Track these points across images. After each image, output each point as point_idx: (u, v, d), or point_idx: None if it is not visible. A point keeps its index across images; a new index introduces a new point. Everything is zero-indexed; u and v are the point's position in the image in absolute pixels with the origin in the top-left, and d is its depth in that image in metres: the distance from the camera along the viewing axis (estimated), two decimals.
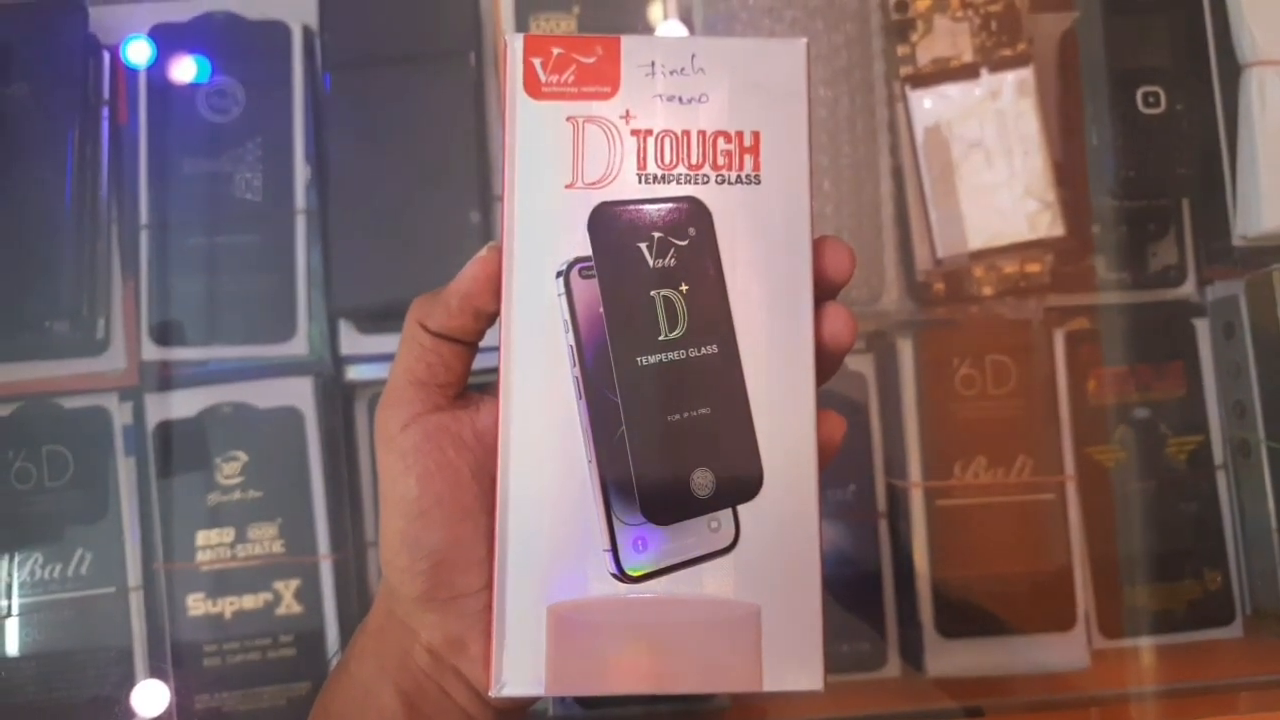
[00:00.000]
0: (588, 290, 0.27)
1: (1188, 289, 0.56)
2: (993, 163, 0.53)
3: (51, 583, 0.49)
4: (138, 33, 0.52)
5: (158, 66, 0.52)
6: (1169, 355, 0.55)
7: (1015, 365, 0.52)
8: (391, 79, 0.52)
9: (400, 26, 0.53)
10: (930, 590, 0.51)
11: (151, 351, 0.51)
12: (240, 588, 0.49)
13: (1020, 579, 0.51)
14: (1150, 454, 0.54)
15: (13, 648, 0.49)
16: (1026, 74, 0.53)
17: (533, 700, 0.30)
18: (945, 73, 0.53)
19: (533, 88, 0.28)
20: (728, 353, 0.28)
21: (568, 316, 0.27)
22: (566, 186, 0.28)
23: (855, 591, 0.53)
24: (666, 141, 0.28)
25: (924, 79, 0.53)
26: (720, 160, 0.28)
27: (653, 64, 0.28)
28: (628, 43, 0.28)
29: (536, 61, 0.28)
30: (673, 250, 0.28)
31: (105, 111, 0.53)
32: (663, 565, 0.27)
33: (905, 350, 0.52)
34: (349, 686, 0.31)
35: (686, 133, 0.28)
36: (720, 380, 0.28)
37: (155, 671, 0.49)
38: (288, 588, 0.50)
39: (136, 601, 0.50)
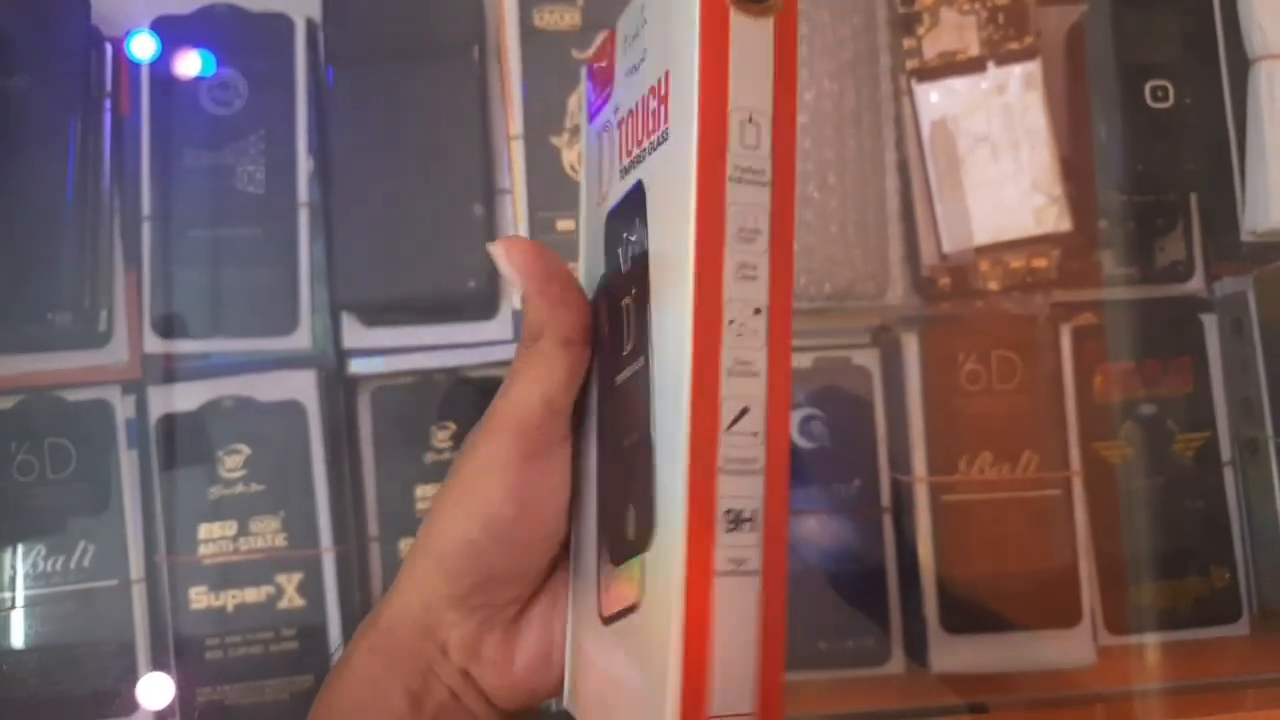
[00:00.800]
0: (599, 312, 0.27)
1: (1196, 284, 0.55)
2: (999, 157, 0.52)
3: (54, 575, 0.49)
4: (141, 24, 0.52)
5: (160, 59, 0.52)
6: (1176, 351, 0.54)
7: (1021, 360, 0.52)
8: (394, 72, 0.52)
9: (403, 19, 0.52)
10: (935, 586, 0.51)
11: (154, 344, 0.51)
12: (242, 581, 0.49)
13: (1026, 575, 0.51)
14: (1157, 450, 0.54)
15: (15, 640, 0.49)
16: (1033, 67, 0.53)
17: (538, 706, 0.30)
18: (952, 66, 0.53)
19: (591, 112, 0.28)
20: (646, 366, 0.23)
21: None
22: (598, 204, 0.27)
23: (859, 587, 0.52)
24: (630, 124, 0.25)
25: (930, 72, 0.53)
26: (650, 125, 0.23)
27: (625, 38, 0.25)
28: (619, 25, 0.25)
29: (589, 87, 0.27)
30: (630, 250, 0.24)
31: (107, 103, 0.52)
32: (617, 610, 0.24)
33: (910, 345, 0.52)
34: (354, 682, 0.30)
35: (634, 111, 0.24)
36: (641, 401, 0.23)
37: (157, 664, 0.49)
38: (290, 581, 0.49)
39: (139, 594, 0.50)
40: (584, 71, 0.27)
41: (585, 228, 0.27)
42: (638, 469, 0.23)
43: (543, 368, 0.26)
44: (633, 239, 0.24)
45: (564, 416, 0.26)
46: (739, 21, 0.20)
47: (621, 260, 0.25)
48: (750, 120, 0.20)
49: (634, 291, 0.23)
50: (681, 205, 0.21)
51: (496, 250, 0.26)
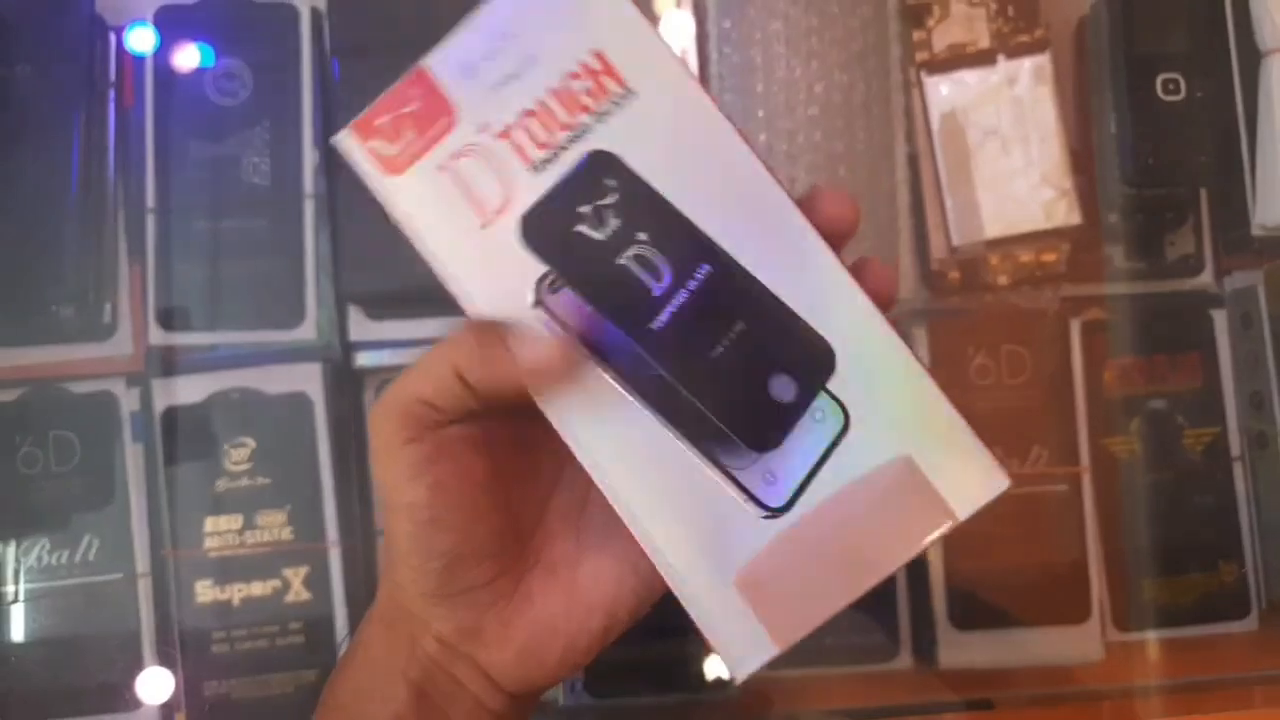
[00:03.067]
0: (567, 301, 0.26)
1: (1205, 279, 0.55)
2: (1009, 150, 0.52)
3: (59, 569, 0.49)
4: (145, 14, 0.52)
5: (164, 49, 0.52)
6: (1186, 346, 0.54)
7: (1030, 355, 0.52)
8: (401, 63, 0.51)
9: (409, 9, 0.52)
10: (943, 582, 0.51)
11: (159, 336, 0.51)
12: (249, 574, 0.49)
13: (1034, 571, 0.51)
14: (1166, 446, 0.54)
15: (20, 634, 0.49)
16: (1044, 60, 0.52)
17: (546, 686, 0.30)
18: (961, 59, 0.53)
19: (388, 166, 0.27)
20: (722, 263, 0.26)
21: (566, 334, 0.26)
22: (481, 228, 0.26)
23: None
24: (531, 123, 0.26)
25: (940, 65, 0.53)
26: (586, 101, 0.26)
27: (463, 67, 0.27)
28: (433, 64, 0.27)
29: (375, 144, 0.27)
30: (609, 212, 0.26)
31: (111, 94, 0.52)
32: (800, 481, 0.26)
33: (919, 339, 0.52)
34: (357, 674, 0.30)
35: (540, 100, 0.26)
36: (733, 291, 0.26)
37: (163, 658, 0.49)
38: (296, 574, 0.49)
39: (144, 588, 0.49)
40: (349, 141, 0.27)
41: (463, 256, 0.26)
42: (767, 338, 0.26)
43: (421, 375, 0.27)
44: (610, 200, 0.26)
45: (441, 412, 0.27)
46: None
47: (596, 228, 0.26)
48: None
49: (647, 235, 0.26)
50: (710, 123, 0.26)
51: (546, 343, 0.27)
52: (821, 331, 0.26)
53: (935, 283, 0.53)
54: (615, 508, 0.26)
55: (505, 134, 0.26)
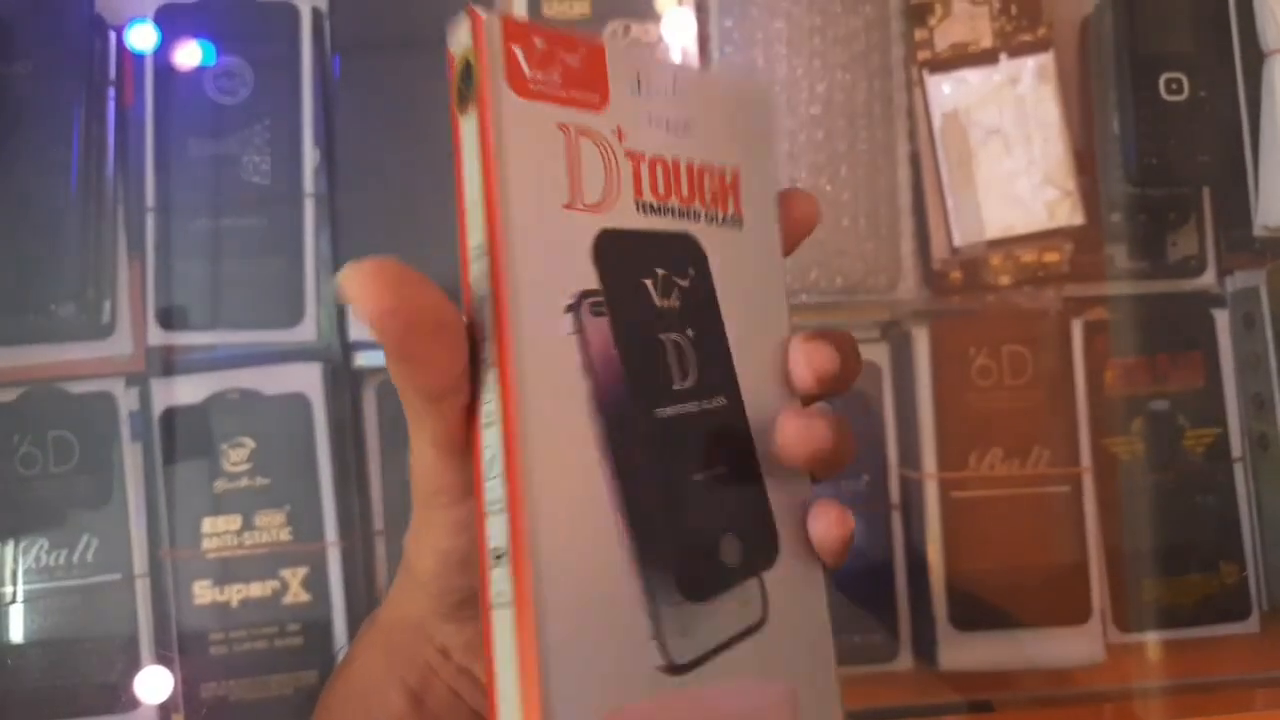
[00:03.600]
0: (599, 330, 0.23)
1: (1208, 279, 0.55)
2: (1011, 150, 0.52)
3: (57, 569, 0.49)
4: (145, 12, 0.52)
5: (165, 47, 0.52)
6: (1188, 346, 0.54)
7: (1032, 355, 0.52)
8: (402, 61, 0.51)
9: (411, 7, 0.52)
10: (944, 583, 0.51)
11: (158, 336, 0.50)
12: (247, 575, 0.49)
13: (1035, 572, 0.51)
14: (1167, 446, 0.54)
15: (18, 634, 0.49)
16: (1046, 59, 0.52)
17: None
18: (964, 58, 0.53)
19: (517, 82, 0.23)
20: (735, 407, 0.25)
21: (584, 358, 0.23)
22: (565, 206, 0.23)
23: (868, 583, 0.52)
24: (659, 169, 0.25)
25: (942, 64, 0.52)
26: (708, 197, 0.26)
27: (638, 79, 0.25)
28: (611, 50, 0.25)
29: (518, 50, 0.23)
30: (675, 290, 0.25)
31: (111, 92, 0.52)
32: (705, 650, 0.23)
33: (921, 339, 0.52)
34: (355, 679, 0.30)
35: (676, 162, 0.25)
36: (730, 436, 0.25)
37: (161, 659, 0.49)
38: (295, 575, 0.49)
39: (142, 589, 0.49)
40: (495, 27, 0.23)
41: (526, 218, 0.22)
42: (737, 496, 0.25)
43: (419, 426, 0.24)
44: (683, 282, 0.25)
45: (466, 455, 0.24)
46: (462, 124, 0.23)
47: (655, 292, 0.25)
48: (470, 206, 0.24)
49: (692, 334, 0.25)
50: (774, 290, 0.27)
51: (342, 282, 0.22)
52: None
53: (937, 283, 0.53)
54: (518, 561, 0.21)
55: (634, 156, 0.25)
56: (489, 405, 0.22)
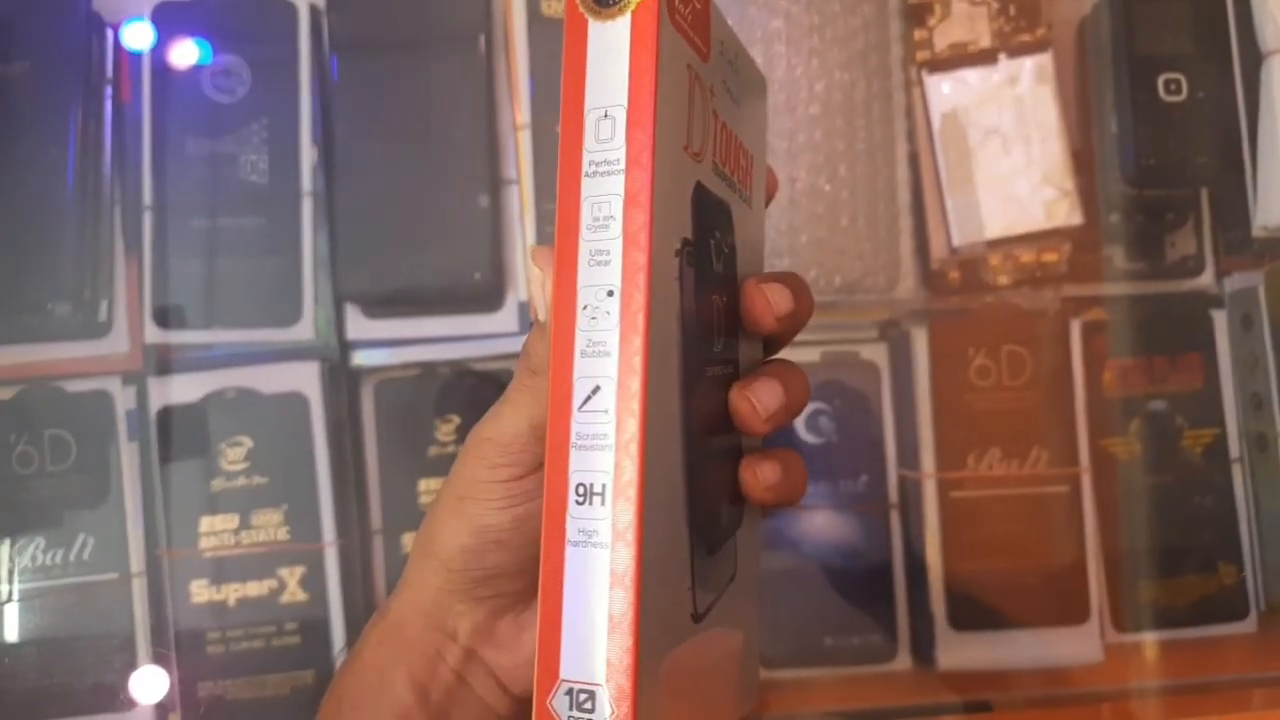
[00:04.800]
0: (689, 281, 0.23)
1: (1206, 280, 0.55)
2: (1010, 150, 0.52)
3: (53, 568, 0.49)
4: (142, 10, 0.51)
5: (162, 45, 0.51)
6: (1186, 347, 0.54)
7: (1031, 356, 0.52)
8: (400, 60, 0.51)
9: (409, 7, 0.52)
10: (942, 583, 0.51)
11: (155, 335, 0.50)
12: (244, 574, 0.49)
13: (1034, 572, 0.51)
14: (1166, 447, 0.54)
15: (14, 634, 0.49)
16: (1045, 60, 0.52)
17: None
18: (963, 58, 0.52)
19: (671, 6, 0.22)
20: (735, 374, 0.27)
21: (680, 307, 0.22)
22: (684, 148, 0.23)
23: (866, 583, 0.52)
24: (724, 136, 0.25)
25: (941, 64, 0.52)
26: (739, 174, 0.27)
27: (723, 42, 0.25)
28: (714, 6, 0.25)
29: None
30: (722, 257, 0.25)
31: (108, 90, 0.52)
32: (711, 601, 0.25)
33: (919, 339, 0.52)
34: (362, 673, 0.30)
35: (732, 135, 0.26)
36: (729, 402, 0.26)
37: (158, 658, 0.49)
38: (292, 575, 0.49)
39: (139, 588, 0.49)
40: None
41: (665, 154, 0.22)
42: (732, 459, 0.26)
43: (537, 405, 0.26)
44: (726, 247, 0.25)
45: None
46: (594, 27, 0.22)
47: (713, 253, 0.25)
48: (605, 116, 0.22)
49: (724, 298, 0.25)
50: (758, 266, 0.28)
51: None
52: None
53: (935, 283, 0.53)
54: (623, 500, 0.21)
55: (716, 116, 0.25)
56: (597, 333, 0.21)
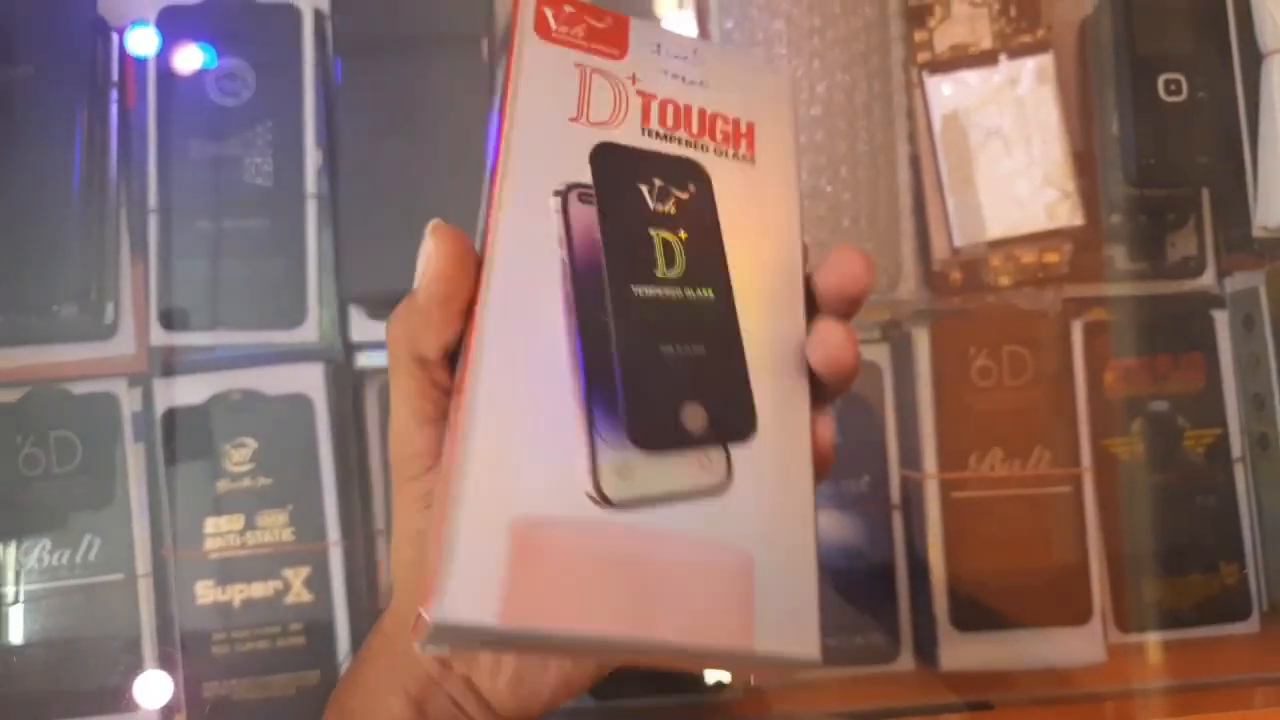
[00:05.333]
0: (585, 216, 0.26)
1: (1207, 280, 0.55)
2: (1011, 151, 0.52)
3: (59, 569, 0.49)
4: (147, 14, 0.52)
5: (167, 49, 0.52)
6: (1187, 347, 0.54)
7: (1032, 356, 0.52)
8: (403, 63, 0.51)
9: (412, 10, 0.52)
10: (945, 583, 0.51)
11: (160, 337, 0.51)
12: (249, 575, 0.49)
13: (1036, 572, 0.51)
14: (1167, 447, 0.54)
15: (20, 635, 0.49)
16: (1046, 60, 0.52)
17: (543, 715, 0.29)
18: (963, 59, 0.53)
19: (543, 30, 0.28)
20: (724, 302, 0.27)
21: (563, 233, 0.26)
22: (571, 120, 0.27)
23: (868, 584, 0.52)
24: (669, 108, 0.29)
25: (942, 65, 0.53)
26: (719, 136, 0.29)
27: (658, 45, 0.29)
28: (636, 23, 0.29)
29: (548, 10, 0.28)
30: (673, 199, 0.28)
31: (114, 94, 0.52)
32: (647, 494, 0.24)
33: (921, 340, 0.52)
34: (362, 686, 0.30)
35: (689, 106, 0.29)
36: (715, 324, 0.27)
37: (164, 660, 0.49)
38: (297, 575, 0.49)
39: (145, 589, 0.49)
40: None
41: (530, 130, 0.27)
42: (712, 373, 0.26)
43: (403, 396, 0.26)
44: (681, 194, 0.28)
45: (440, 425, 0.26)
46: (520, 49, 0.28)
47: (651, 198, 0.27)
48: (495, 109, 0.28)
49: (685, 235, 0.27)
50: (788, 216, 0.29)
51: (432, 236, 0.25)
52: (759, 405, 0.26)
53: (937, 283, 0.53)
54: (467, 366, 0.24)
55: (644, 95, 0.28)
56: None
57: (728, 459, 0.25)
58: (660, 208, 0.27)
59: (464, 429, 0.23)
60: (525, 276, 0.25)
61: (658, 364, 0.26)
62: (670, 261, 0.27)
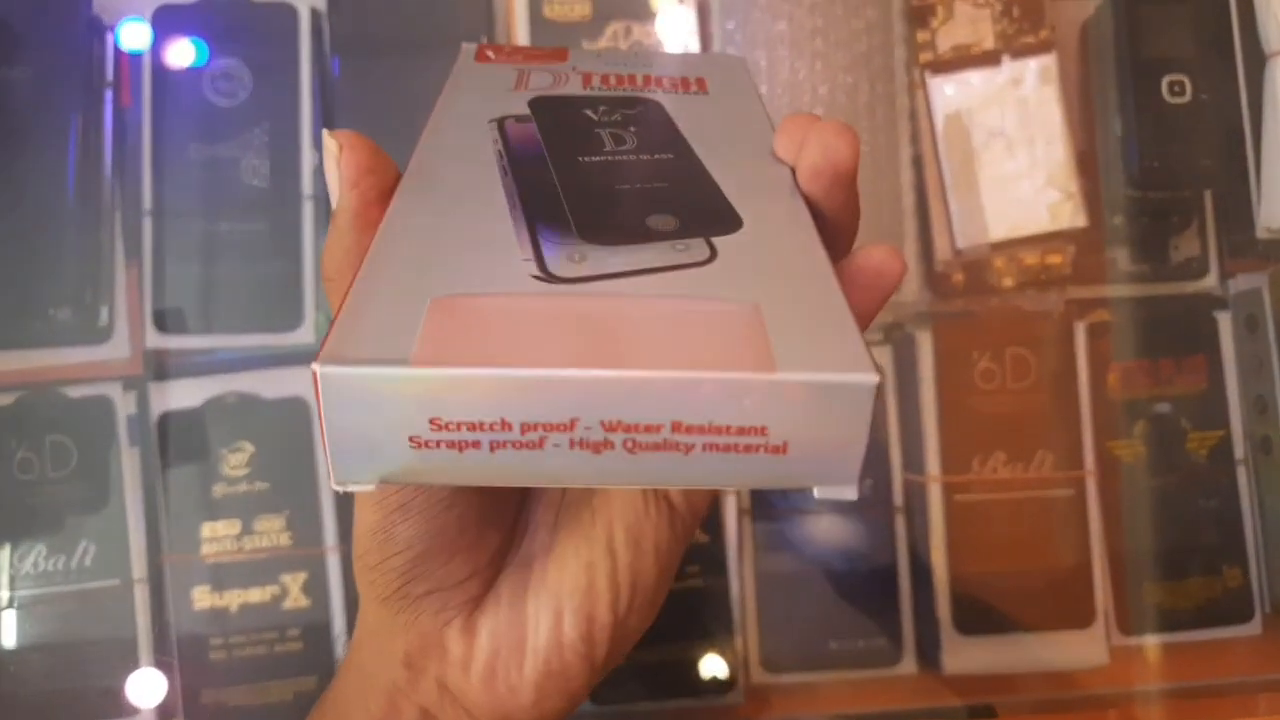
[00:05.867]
0: (523, 129, 0.25)
1: (1210, 282, 0.55)
2: (1014, 152, 0.52)
3: (55, 574, 0.48)
4: (143, 14, 0.51)
5: (162, 49, 0.51)
6: (1190, 349, 0.54)
7: (1035, 358, 0.52)
8: (402, 63, 0.51)
9: (410, 10, 0.52)
10: (947, 586, 0.51)
11: (156, 340, 0.50)
12: (246, 580, 0.49)
13: (1039, 575, 0.51)
14: (1170, 449, 0.53)
15: (15, 640, 0.48)
16: (1049, 61, 0.52)
17: (529, 712, 0.26)
18: (966, 59, 0.52)
19: (482, 58, 0.30)
20: (686, 156, 0.24)
21: (500, 145, 0.24)
22: (512, 89, 0.28)
23: (871, 587, 0.52)
24: (611, 77, 0.29)
25: (945, 66, 0.52)
26: (667, 84, 0.29)
27: (600, 54, 0.31)
28: (574, 52, 0.31)
29: (489, 51, 0.31)
30: (620, 115, 0.27)
31: (109, 94, 0.52)
32: (605, 271, 0.19)
33: (924, 342, 0.51)
34: (335, 702, 0.28)
35: (632, 75, 0.29)
36: (677, 164, 0.24)
37: (160, 665, 0.49)
38: (295, 580, 0.49)
39: (141, 594, 0.49)
40: (470, 49, 0.31)
41: (467, 98, 0.27)
42: (678, 189, 0.23)
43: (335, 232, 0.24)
44: (630, 111, 0.27)
45: None
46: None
47: (595, 115, 0.27)
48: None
49: (636, 130, 0.26)
50: (758, 123, 0.27)
51: (331, 145, 0.23)
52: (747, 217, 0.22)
53: (940, 285, 0.53)
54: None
55: (585, 74, 0.29)
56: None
57: (709, 244, 0.21)
58: (608, 118, 0.26)
59: (371, 250, 0.19)
60: (453, 165, 0.24)
61: (611, 193, 0.23)
62: (619, 141, 0.25)
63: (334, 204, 0.23)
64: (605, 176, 0.23)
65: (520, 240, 0.20)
